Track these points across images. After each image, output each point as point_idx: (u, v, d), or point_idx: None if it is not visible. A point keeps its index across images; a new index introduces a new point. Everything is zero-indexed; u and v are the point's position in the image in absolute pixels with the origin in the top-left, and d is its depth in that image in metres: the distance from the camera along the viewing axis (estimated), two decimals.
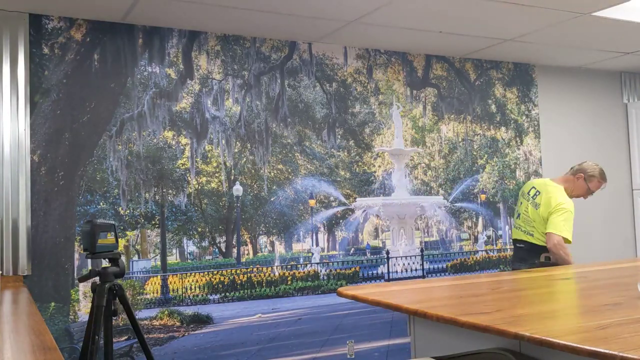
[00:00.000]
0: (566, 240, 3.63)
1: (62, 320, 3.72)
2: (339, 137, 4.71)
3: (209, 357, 4.07)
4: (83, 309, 3.77)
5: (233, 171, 4.32)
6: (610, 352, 1.38)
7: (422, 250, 4.99)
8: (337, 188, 4.71)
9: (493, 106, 5.33)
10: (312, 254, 4.62)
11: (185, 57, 4.20)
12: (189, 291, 4.16)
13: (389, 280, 4.79)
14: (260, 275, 4.37)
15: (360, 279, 4.73)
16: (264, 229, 4.52)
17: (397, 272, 4.85)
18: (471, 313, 1.97)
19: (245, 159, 4.36)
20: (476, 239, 5.27)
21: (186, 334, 4.07)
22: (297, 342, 4.35)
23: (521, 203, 3.91)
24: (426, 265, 4.97)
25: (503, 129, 5.36)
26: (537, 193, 3.82)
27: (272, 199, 4.48)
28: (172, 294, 4.11)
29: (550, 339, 1.54)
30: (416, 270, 4.92)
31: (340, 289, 2.60)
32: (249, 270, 4.35)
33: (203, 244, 4.32)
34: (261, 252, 4.53)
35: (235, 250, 4.36)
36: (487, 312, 1.98)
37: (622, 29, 4.48)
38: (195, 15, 3.89)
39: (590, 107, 5.79)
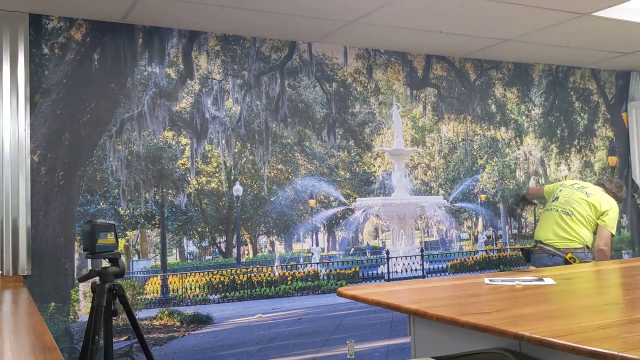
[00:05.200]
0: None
1: (62, 320, 3.72)
2: (339, 137, 4.71)
3: (209, 357, 4.07)
4: (83, 309, 3.78)
5: (233, 171, 4.32)
6: (610, 352, 1.38)
7: (422, 250, 5.00)
8: (337, 188, 4.72)
9: (493, 106, 5.33)
10: (312, 254, 4.62)
11: (185, 57, 4.20)
12: (189, 291, 4.16)
13: (389, 280, 4.79)
14: (260, 275, 4.37)
15: (360, 279, 4.73)
16: (264, 229, 4.52)
17: (397, 272, 4.85)
18: (471, 313, 1.97)
19: (245, 159, 4.36)
20: (476, 239, 5.27)
21: (186, 334, 4.07)
22: (297, 342, 4.35)
23: (560, 190, 4.27)
24: (426, 265, 4.97)
25: (503, 129, 5.36)
26: (582, 187, 4.27)
27: (272, 199, 4.48)
28: (172, 294, 4.11)
29: (550, 339, 1.54)
30: (416, 270, 4.92)
31: (340, 289, 2.60)
32: (249, 270, 4.35)
33: (203, 244, 4.32)
34: (261, 252, 4.53)
35: (235, 250, 4.36)
36: (487, 312, 1.98)
37: (622, 29, 4.48)
38: (195, 15, 3.89)
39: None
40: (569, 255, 4.02)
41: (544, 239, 4.16)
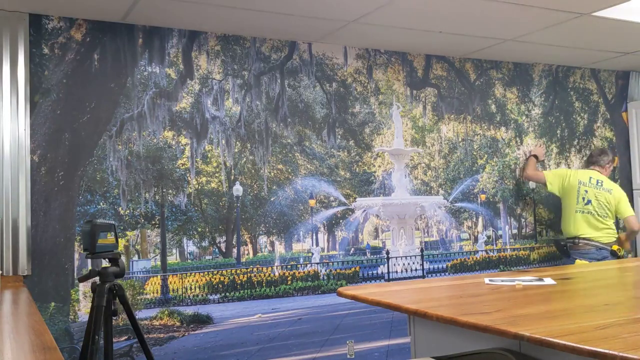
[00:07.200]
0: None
1: (62, 320, 3.72)
2: (339, 137, 4.71)
3: (209, 357, 4.07)
4: (83, 309, 3.78)
5: (233, 171, 4.32)
6: (610, 352, 1.38)
7: (422, 250, 5.00)
8: (337, 188, 4.71)
9: (493, 106, 5.33)
10: (312, 254, 4.62)
11: (185, 57, 4.20)
12: (189, 291, 4.16)
13: (389, 280, 4.79)
14: (260, 275, 4.37)
15: (360, 279, 4.73)
16: (264, 229, 4.52)
17: (397, 272, 4.85)
18: (471, 313, 1.97)
19: (245, 159, 4.36)
20: (476, 239, 5.27)
21: (186, 334, 4.07)
22: (297, 342, 4.35)
23: (586, 191, 4.73)
24: (426, 265, 4.97)
25: (503, 129, 5.36)
26: (600, 182, 4.79)
27: (272, 199, 4.48)
28: (172, 294, 4.11)
29: (550, 339, 1.54)
30: (416, 270, 4.92)
31: (340, 289, 2.60)
32: (249, 270, 4.35)
33: (203, 244, 4.32)
34: (261, 252, 4.53)
35: (235, 250, 4.36)
36: (487, 312, 1.98)
37: (622, 29, 4.48)
38: (195, 15, 3.89)
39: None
40: (615, 247, 4.62)
41: (584, 234, 4.70)
